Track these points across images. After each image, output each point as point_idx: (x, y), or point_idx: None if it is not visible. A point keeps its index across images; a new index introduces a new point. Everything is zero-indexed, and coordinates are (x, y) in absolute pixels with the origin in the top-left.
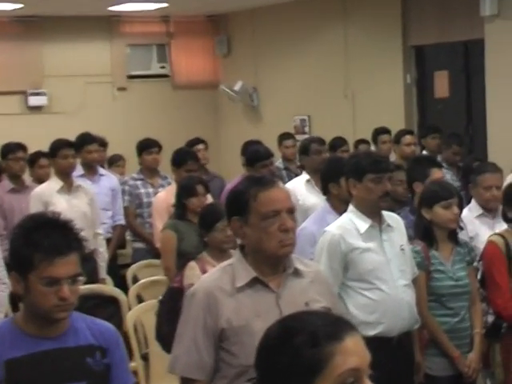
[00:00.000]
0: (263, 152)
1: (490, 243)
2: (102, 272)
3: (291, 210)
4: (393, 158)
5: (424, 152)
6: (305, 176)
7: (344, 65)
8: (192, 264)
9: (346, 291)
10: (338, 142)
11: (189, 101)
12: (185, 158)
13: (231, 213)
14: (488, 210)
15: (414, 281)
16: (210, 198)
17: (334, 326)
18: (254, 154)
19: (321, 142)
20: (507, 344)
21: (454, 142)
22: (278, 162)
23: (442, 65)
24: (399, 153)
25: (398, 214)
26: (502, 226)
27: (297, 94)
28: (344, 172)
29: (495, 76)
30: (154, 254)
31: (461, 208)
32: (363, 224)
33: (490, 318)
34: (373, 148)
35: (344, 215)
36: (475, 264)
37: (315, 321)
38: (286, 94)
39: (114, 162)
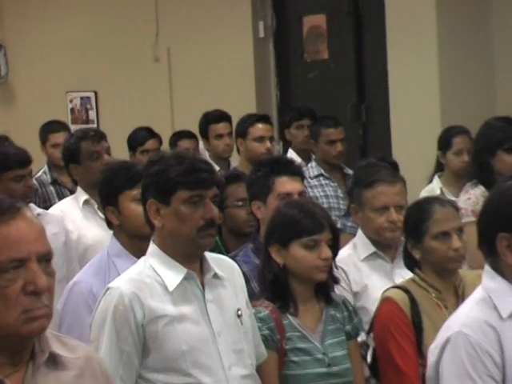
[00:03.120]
0: (14, 155)
1: (386, 302)
2: None
3: (46, 257)
4: (236, 161)
5: (290, 151)
6: (81, 194)
7: (153, 10)
8: None
9: None
10: (141, 137)
11: None
12: None
13: None
14: (383, 247)
15: (260, 368)
16: None
17: None
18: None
19: (98, 136)
20: None
21: (323, 124)
22: (42, 171)
23: (317, 5)
24: (246, 153)
25: (234, 257)
26: (406, 273)
27: (75, 56)
28: (142, 190)
29: (402, 24)
30: None
31: (336, 247)
32: (172, 275)
33: None
34: (202, 145)
35: (141, 261)
36: (361, 337)
37: None
38: (56, 57)
39: None
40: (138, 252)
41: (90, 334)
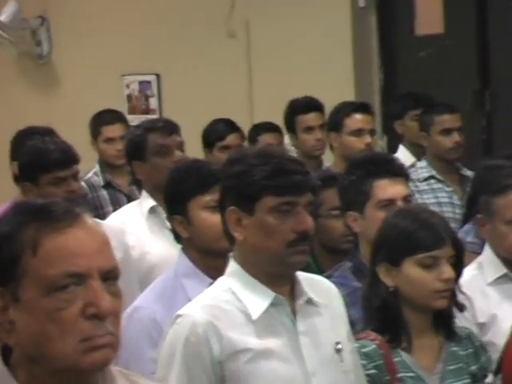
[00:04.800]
0: (53, 153)
1: None
2: None
3: (111, 274)
4: (329, 161)
5: (401, 148)
6: (146, 200)
7: None
8: None
9: None
10: (220, 130)
11: None
12: None
13: None
14: None
15: None
16: None
17: None
18: (36, 157)
19: (169, 128)
20: None
21: (435, 110)
22: (93, 172)
23: None
24: (341, 150)
25: (328, 277)
26: None
27: (133, 31)
28: (221, 196)
29: None
30: None
31: (460, 265)
32: (257, 301)
33: None
34: (287, 141)
35: (218, 282)
36: (489, 379)
37: None
38: (110, 32)
39: None
40: (212, 271)
41: (156, 372)
